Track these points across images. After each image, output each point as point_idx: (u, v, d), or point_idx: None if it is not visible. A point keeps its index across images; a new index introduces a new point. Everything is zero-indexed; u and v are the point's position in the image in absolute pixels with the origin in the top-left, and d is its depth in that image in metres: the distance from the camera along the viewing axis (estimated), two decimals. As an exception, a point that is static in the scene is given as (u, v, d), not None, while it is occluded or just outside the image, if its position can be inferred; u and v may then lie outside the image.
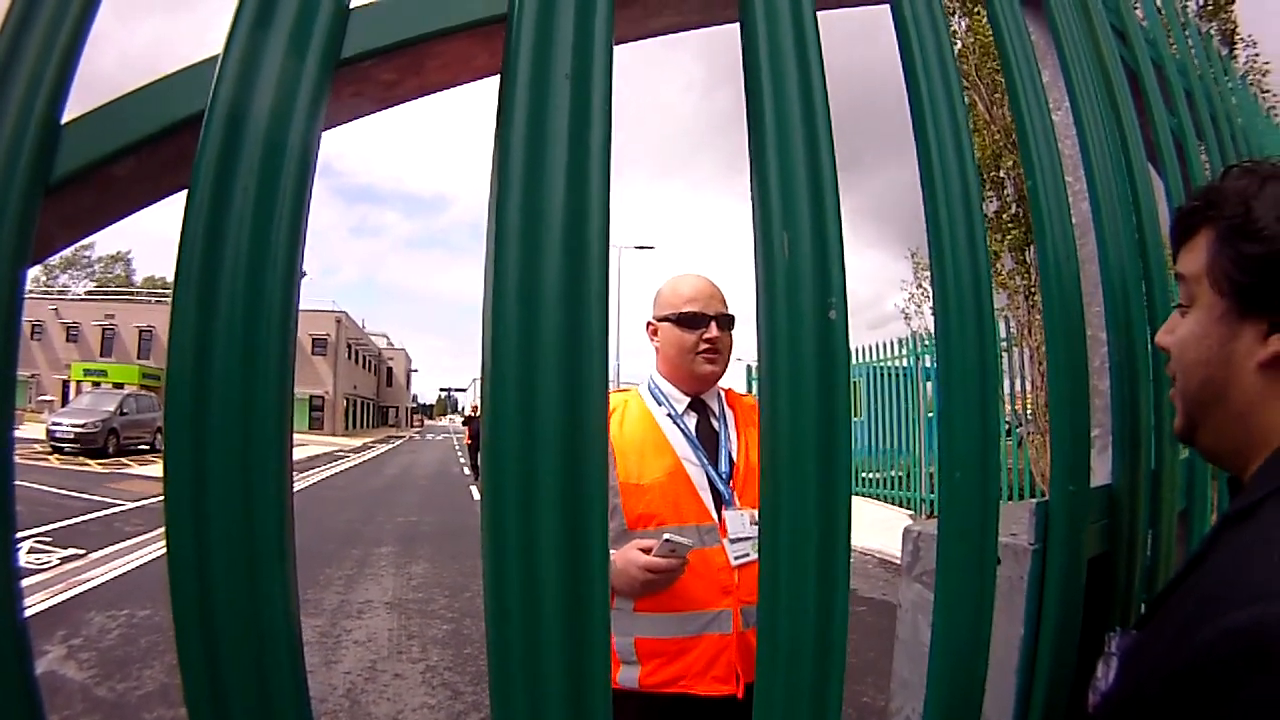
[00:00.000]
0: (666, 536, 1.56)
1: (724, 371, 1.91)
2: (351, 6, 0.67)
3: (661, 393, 1.92)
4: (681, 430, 1.85)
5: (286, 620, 0.58)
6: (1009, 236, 11.08)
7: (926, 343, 12.26)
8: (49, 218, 0.61)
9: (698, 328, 1.85)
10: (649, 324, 1.97)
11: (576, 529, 0.62)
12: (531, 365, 0.61)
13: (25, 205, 0.58)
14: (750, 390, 12.54)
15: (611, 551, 1.63)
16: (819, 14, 0.84)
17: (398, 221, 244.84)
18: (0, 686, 0.53)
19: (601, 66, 0.67)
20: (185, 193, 0.62)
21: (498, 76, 0.68)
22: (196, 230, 0.59)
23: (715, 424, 1.90)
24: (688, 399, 1.91)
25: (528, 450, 0.61)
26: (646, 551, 1.58)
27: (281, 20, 0.64)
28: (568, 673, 0.61)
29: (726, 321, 1.88)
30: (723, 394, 1.98)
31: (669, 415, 1.88)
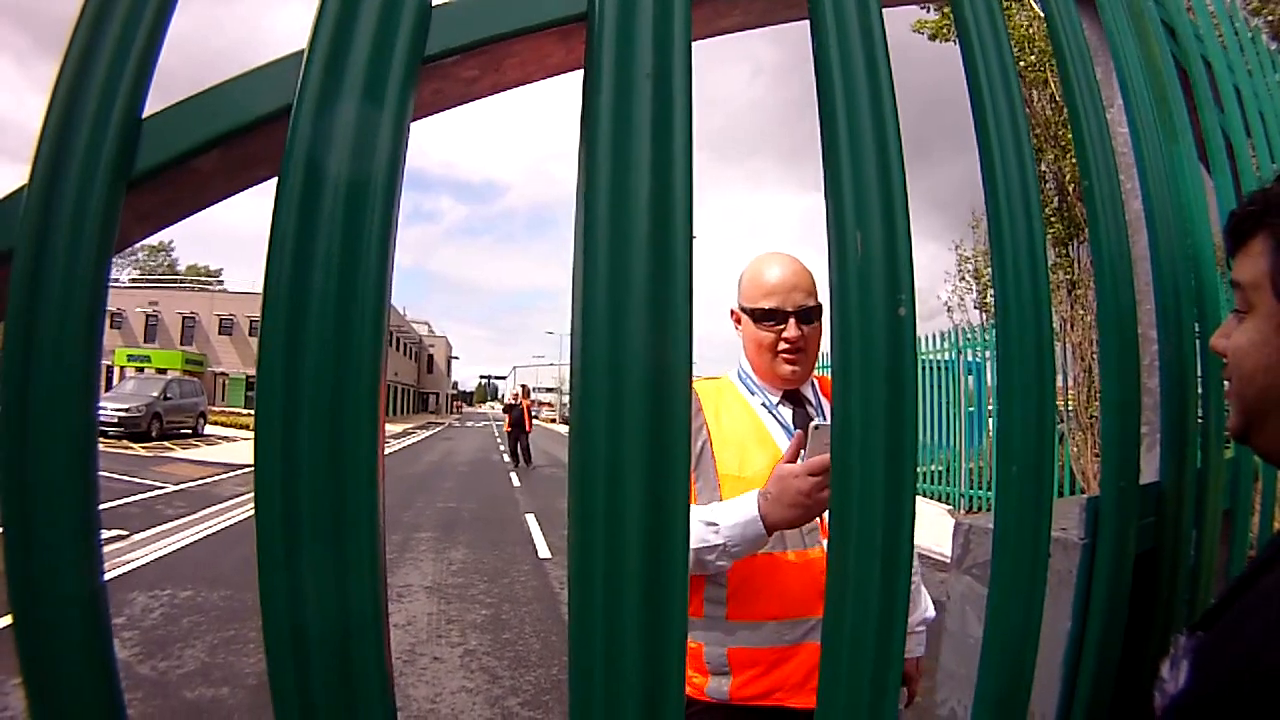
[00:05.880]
0: (816, 423, 1.39)
1: (810, 369, 1.74)
2: (434, 5, 0.69)
3: (753, 381, 1.78)
4: (779, 422, 1.72)
5: (375, 619, 0.60)
6: (1051, 231, 10.92)
7: (969, 336, 12.13)
8: (126, 213, 0.63)
9: (776, 326, 1.67)
10: (733, 311, 1.81)
11: (660, 517, 0.64)
12: (619, 353, 0.63)
13: (108, 201, 0.60)
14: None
15: (748, 494, 1.47)
16: (887, 10, 0.85)
17: (450, 207, 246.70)
18: (81, 648, 0.57)
19: (681, 65, 0.69)
20: (264, 185, 0.63)
21: (571, 73, 0.70)
22: (288, 225, 0.61)
23: (814, 414, 1.75)
24: (780, 391, 1.76)
25: (615, 438, 0.63)
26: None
27: (366, 20, 0.66)
28: (645, 668, 0.63)
29: (808, 315, 1.67)
30: (816, 383, 1.82)
31: (764, 405, 1.74)
